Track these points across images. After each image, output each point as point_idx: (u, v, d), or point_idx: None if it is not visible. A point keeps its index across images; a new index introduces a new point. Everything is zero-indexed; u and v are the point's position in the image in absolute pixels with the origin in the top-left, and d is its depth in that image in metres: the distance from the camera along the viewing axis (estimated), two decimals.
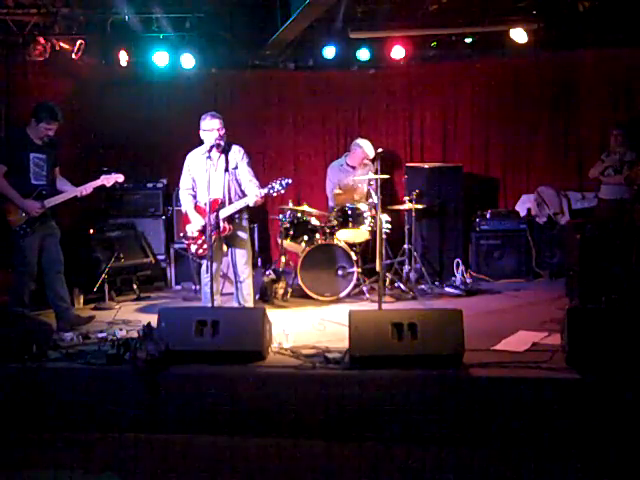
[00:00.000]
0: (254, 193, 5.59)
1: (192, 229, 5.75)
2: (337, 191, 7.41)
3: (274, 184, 5.57)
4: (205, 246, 5.69)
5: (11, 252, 5.66)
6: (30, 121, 5.61)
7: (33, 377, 4.54)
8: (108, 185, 5.90)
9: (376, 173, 6.06)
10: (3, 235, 5.77)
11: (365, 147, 7.52)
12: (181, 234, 6.00)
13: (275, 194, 5.65)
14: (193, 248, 5.80)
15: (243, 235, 5.80)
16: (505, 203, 8.39)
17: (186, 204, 5.84)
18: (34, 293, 5.87)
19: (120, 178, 5.93)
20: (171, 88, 8.04)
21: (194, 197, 5.84)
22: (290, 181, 5.62)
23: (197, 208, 5.78)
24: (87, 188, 5.77)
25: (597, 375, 4.20)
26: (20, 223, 5.54)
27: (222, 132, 5.63)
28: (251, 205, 5.65)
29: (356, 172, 7.59)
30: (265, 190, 5.58)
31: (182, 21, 7.29)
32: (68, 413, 4.42)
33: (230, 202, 5.67)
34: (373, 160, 7.41)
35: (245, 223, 5.83)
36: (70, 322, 5.66)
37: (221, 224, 5.58)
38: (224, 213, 5.61)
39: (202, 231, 5.69)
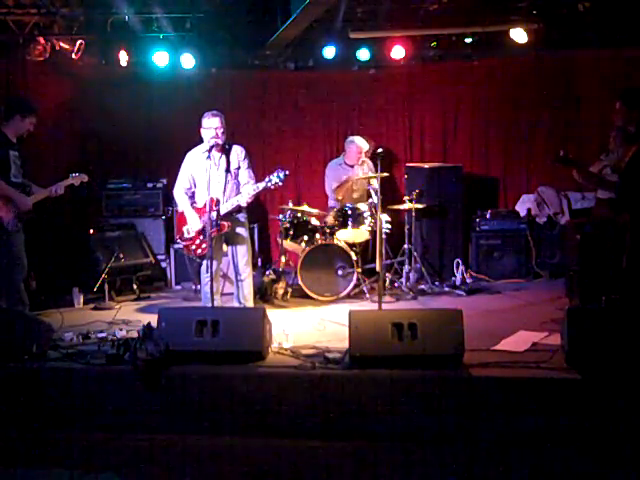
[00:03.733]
0: (246, 192, 5.62)
1: (190, 228, 5.75)
2: (335, 184, 7.42)
3: (271, 176, 5.58)
4: (203, 245, 5.69)
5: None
6: (12, 118, 5.55)
7: (33, 377, 4.54)
8: (76, 185, 5.91)
9: (376, 172, 6.06)
10: None
11: (358, 142, 7.53)
12: (177, 235, 6.00)
13: (273, 187, 5.63)
14: (191, 248, 5.80)
15: (243, 233, 5.81)
16: (505, 203, 8.38)
17: (182, 203, 5.84)
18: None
19: (85, 178, 5.95)
20: (171, 88, 8.03)
21: (191, 197, 5.84)
22: (287, 172, 5.60)
23: (197, 210, 5.78)
24: (59, 188, 5.75)
25: (597, 375, 4.20)
26: (10, 219, 5.51)
27: (221, 131, 5.64)
28: (242, 204, 5.66)
29: (354, 171, 7.60)
30: (263, 184, 5.59)
31: (182, 21, 7.30)
32: (68, 413, 4.42)
33: (227, 202, 5.69)
34: (374, 159, 7.41)
35: (244, 221, 5.83)
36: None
37: (217, 222, 5.57)
38: (221, 211, 5.63)
39: (200, 231, 5.70)
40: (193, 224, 5.74)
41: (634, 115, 5.63)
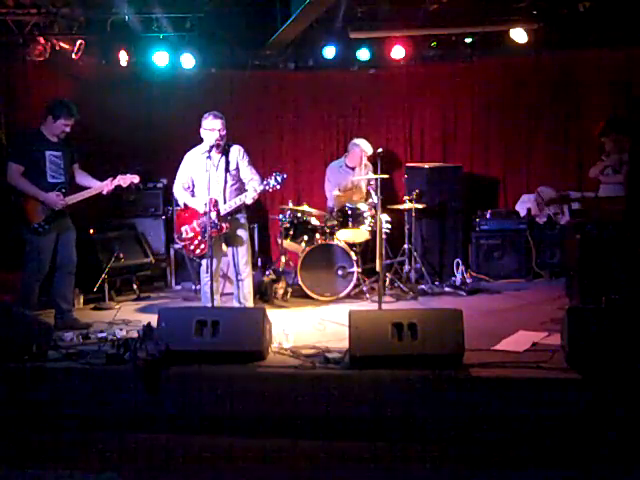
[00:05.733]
0: (252, 189, 5.58)
1: (200, 210, 5.68)
2: (337, 193, 7.42)
3: (269, 180, 5.56)
4: (202, 246, 5.69)
5: (20, 252, 5.66)
6: (46, 119, 5.61)
7: (33, 377, 4.54)
8: (124, 185, 5.93)
9: (376, 173, 6.06)
10: (7, 235, 5.76)
11: (362, 145, 7.54)
12: (175, 235, 5.99)
13: (271, 190, 5.63)
14: (190, 248, 5.80)
15: (242, 234, 5.80)
16: (505, 203, 8.39)
17: (183, 197, 5.82)
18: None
19: (135, 179, 5.97)
20: (171, 88, 8.03)
21: (190, 193, 5.83)
22: (285, 176, 5.60)
23: (195, 210, 5.78)
24: (109, 185, 5.79)
25: (597, 375, 4.20)
26: (39, 220, 5.55)
27: (222, 133, 5.63)
28: (248, 203, 5.65)
29: (355, 173, 7.61)
30: (261, 187, 5.58)
31: (182, 21, 7.28)
32: (68, 413, 4.42)
33: (226, 202, 5.68)
34: (373, 160, 7.41)
35: (243, 221, 5.83)
36: (66, 325, 5.64)
37: (216, 223, 5.56)
38: (222, 211, 5.62)
39: (200, 230, 5.70)
40: (199, 207, 5.66)
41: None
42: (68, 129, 5.65)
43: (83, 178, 5.88)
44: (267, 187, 5.57)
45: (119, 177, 5.88)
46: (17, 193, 5.59)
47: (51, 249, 5.65)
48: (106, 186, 5.79)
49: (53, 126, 5.61)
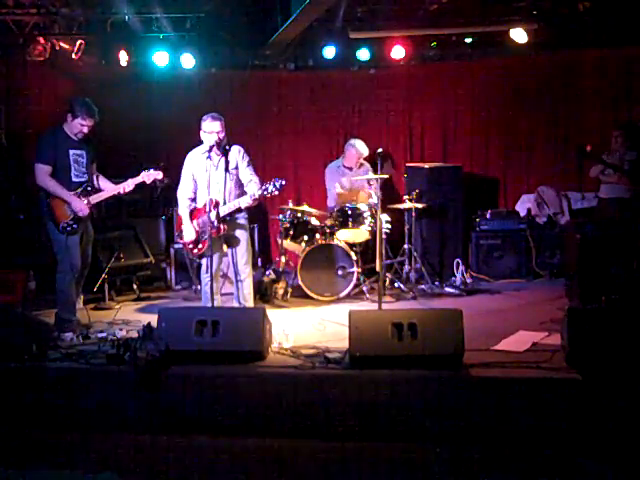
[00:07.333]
0: (249, 194, 5.56)
1: (184, 237, 5.75)
2: (340, 190, 7.41)
3: (268, 185, 5.53)
4: (201, 245, 5.69)
5: (20, 252, 5.63)
6: (66, 117, 5.56)
7: (33, 377, 4.54)
8: (148, 182, 5.86)
9: (376, 172, 6.06)
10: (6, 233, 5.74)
11: (358, 146, 7.54)
12: (176, 233, 6.00)
13: (269, 195, 5.60)
14: (189, 247, 5.79)
15: (242, 234, 5.79)
16: (505, 203, 8.39)
17: (182, 210, 5.81)
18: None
19: (159, 175, 5.87)
20: (171, 88, 8.03)
21: (193, 200, 5.81)
22: (284, 182, 5.54)
23: (197, 210, 5.78)
24: (129, 185, 5.73)
25: (597, 375, 4.20)
26: (67, 219, 5.53)
27: (222, 135, 5.61)
28: (243, 207, 5.63)
29: (353, 173, 7.60)
30: (259, 192, 5.55)
31: (182, 21, 7.30)
32: (68, 413, 4.42)
33: (226, 203, 5.67)
34: (372, 160, 7.41)
35: (243, 222, 5.81)
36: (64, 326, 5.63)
37: (216, 223, 5.56)
38: (221, 213, 5.61)
39: (200, 230, 5.69)
40: (186, 235, 5.72)
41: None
42: (85, 129, 5.56)
43: (101, 181, 5.84)
44: (265, 192, 5.53)
45: (143, 174, 5.80)
46: (45, 193, 5.53)
47: (79, 246, 5.63)
48: (127, 185, 5.74)
49: (72, 124, 5.55)
